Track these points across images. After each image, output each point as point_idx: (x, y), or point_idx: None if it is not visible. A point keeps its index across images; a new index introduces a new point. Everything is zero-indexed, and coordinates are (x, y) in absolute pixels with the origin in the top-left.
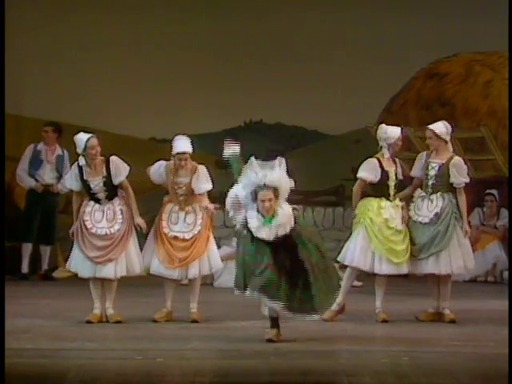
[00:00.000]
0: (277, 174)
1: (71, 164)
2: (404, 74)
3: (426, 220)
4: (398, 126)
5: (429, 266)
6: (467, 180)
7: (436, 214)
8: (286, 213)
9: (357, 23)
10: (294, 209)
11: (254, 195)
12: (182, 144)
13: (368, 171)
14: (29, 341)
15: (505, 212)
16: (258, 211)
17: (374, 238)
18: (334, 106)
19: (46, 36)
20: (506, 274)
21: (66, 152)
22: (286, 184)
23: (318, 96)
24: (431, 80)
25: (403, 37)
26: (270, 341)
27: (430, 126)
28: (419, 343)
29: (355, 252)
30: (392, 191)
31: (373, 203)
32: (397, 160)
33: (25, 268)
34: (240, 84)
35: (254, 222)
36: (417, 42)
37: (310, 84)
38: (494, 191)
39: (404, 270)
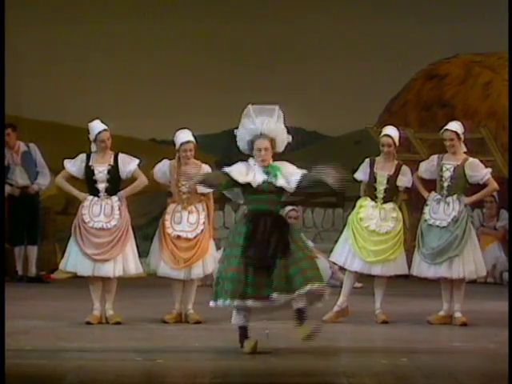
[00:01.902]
0: (274, 122)
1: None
2: (404, 75)
3: (444, 224)
4: (397, 127)
5: (442, 270)
6: (487, 170)
7: (454, 217)
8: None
9: (356, 25)
10: (293, 209)
11: (251, 145)
12: (185, 135)
13: (360, 171)
14: (28, 342)
15: (504, 213)
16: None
17: (351, 234)
18: (334, 107)
19: (44, 37)
20: (505, 275)
21: (31, 145)
22: (283, 134)
23: (318, 97)
24: (431, 81)
25: (403, 38)
26: (251, 353)
27: (451, 128)
28: (418, 344)
29: (336, 247)
30: (380, 194)
31: (359, 201)
32: (403, 167)
33: (20, 270)
34: (239, 85)
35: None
36: (416, 43)
37: (309, 85)
38: (494, 192)
39: (376, 270)
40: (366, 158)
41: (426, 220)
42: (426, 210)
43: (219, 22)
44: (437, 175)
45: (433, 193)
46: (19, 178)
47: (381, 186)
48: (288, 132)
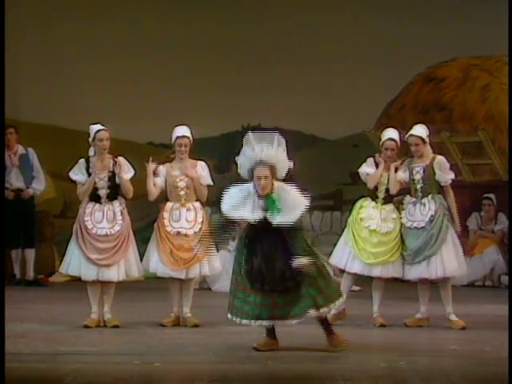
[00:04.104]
0: (274, 150)
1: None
2: (402, 79)
3: (422, 224)
4: (398, 129)
5: (420, 271)
6: (452, 176)
7: (431, 217)
8: (291, 195)
9: (355, 28)
10: None
11: (251, 173)
12: (181, 129)
13: (366, 166)
14: (26, 345)
15: (502, 216)
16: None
17: (351, 236)
18: (332, 111)
19: (43, 40)
20: (503, 278)
21: (29, 150)
22: (283, 161)
23: (316, 100)
24: (429, 84)
25: (401, 41)
26: (255, 349)
27: (416, 133)
28: (416, 348)
29: (336, 250)
30: (381, 194)
31: (359, 202)
32: (401, 166)
33: (18, 273)
34: (238, 88)
35: (250, 211)
36: (414, 46)
37: (307, 88)
38: (492, 195)
39: (376, 272)
40: (369, 157)
41: (403, 224)
42: (403, 213)
43: (219, 25)
44: (409, 179)
45: (408, 196)
46: (14, 179)
47: (382, 186)
48: (289, 158)
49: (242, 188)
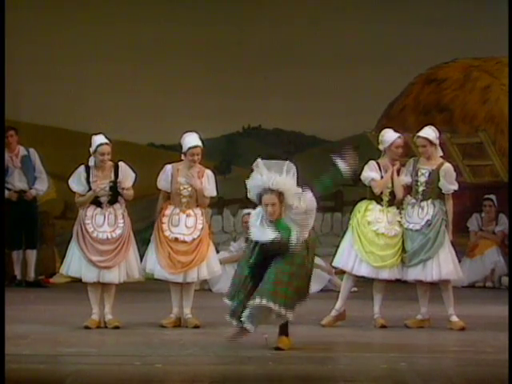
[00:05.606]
0: (282, 178)
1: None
2: (402, 80)
3: (417, 227)
4: (396, 131)
5: (416, 273)
6: (456, 187)
7: (427, 221)
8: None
9: (355, 29)
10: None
11: (259, 198)
12: (193, 138)
13: (370, 170)
14: (27, 347)
15: (503, 217)
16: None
17: (357, 239)
18: (333, 112)
19: (43, 41)
20: (504, 279)
21: (31, 150)
22: (291, 189)
23: (317, 102)
24: (429, 85)
25: (402, 42)
26: (278, 349)
27: (422, 134)
28: (417, 349)
29: (341, 253)
30: (386, 197)
31: (362, 205)
32: (402, 168)
33: (18, 274)
34: (238, 90)
35: (258, 228)
36: (415, 47)
37: (308, 90)
38: (492, 196)
39: (384, 275)
40: (370, 159)
41: (401, 224)
42: (402, 214)
43: (218, 27)
44: (412, 180)
45: (408, 197)
46: (17, 181)
47: (387, 190)
48: (297, 184)
49: (257, 213)
